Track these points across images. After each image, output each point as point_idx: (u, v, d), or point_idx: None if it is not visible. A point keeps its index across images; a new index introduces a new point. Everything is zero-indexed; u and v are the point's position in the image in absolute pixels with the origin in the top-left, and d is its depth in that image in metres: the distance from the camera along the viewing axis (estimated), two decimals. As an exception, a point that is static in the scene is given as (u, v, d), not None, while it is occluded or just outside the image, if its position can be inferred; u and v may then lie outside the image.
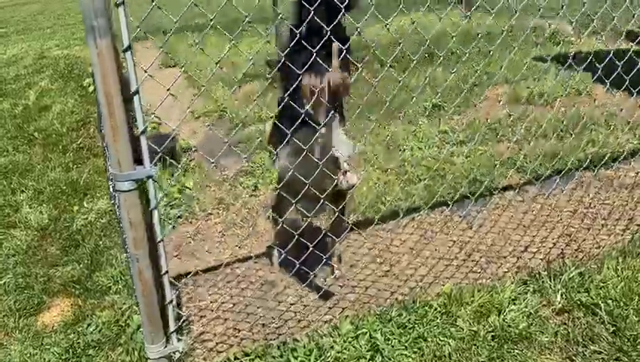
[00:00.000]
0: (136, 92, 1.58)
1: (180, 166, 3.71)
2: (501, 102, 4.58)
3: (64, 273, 2.78)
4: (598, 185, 3.25)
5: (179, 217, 3.24)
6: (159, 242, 1.80)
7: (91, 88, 5.40)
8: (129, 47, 1.53)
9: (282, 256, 2.52)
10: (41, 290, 2.68)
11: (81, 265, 2.82)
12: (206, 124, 4.40)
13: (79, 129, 4.57)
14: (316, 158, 2.14)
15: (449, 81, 4.24)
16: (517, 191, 3.23)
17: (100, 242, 2.98)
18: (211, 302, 2.52)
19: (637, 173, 3.37)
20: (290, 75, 1.95)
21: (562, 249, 2.67)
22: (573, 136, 3.71)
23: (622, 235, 2.74)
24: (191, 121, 4.46)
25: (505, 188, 3.29)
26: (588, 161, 3.26)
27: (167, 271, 1.87)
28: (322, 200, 2.25)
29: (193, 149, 4.04)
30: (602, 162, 3.27)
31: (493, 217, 3.04)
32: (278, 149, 2.22)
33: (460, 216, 3.05)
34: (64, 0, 13.13)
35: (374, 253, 2.79)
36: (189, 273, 2.57)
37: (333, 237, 2.47)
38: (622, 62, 3.02)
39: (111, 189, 2.99)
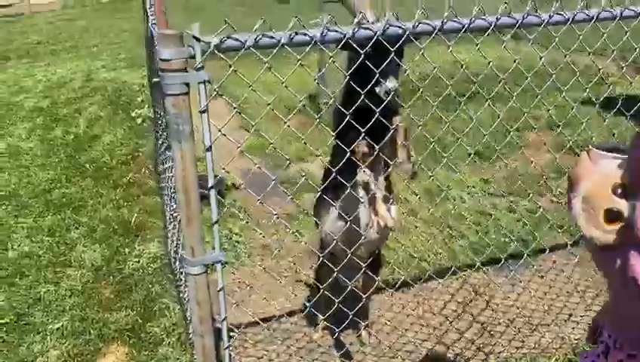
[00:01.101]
0: (214, 186, 1.68)
1: (225, 208, 3.82)
2: (546, 149, 4.58)
3: (118, 319, 2.91)
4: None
5: (225, 264, 3.35)
6: (223, 321, 1.90)
7: (139, 120, 5.59)
8: (210, 148, 1.64)
9: (322, 322, 2.65)
10: (97, 336, 2.81)
11: (134, 312, 2.94)
12: (254, 162, 4.50)
13: (128, 163, 4.73)
14: (360, 227, 2.23)
15: (493, 126, 4.27)
16: (562, 252, 3.25)
17: (152, 289, 3.10)
18: (258, 359, 2.61)
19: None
20: (341, 149, 2.00)
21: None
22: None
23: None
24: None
25: (551, 249, 3.30)
26: None
27: (228, 346, 1.97)
28: (363, 268, 2.31)
29: (238, 187, 4.15)
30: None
31: (538, 280, 3.07)
32: (322, 217, 2.32)
33: (505, 277, 3.08)
34: (108, 17, 13.54)
35: (418, 313, 2.84)
36: (238, 326, 2.67)
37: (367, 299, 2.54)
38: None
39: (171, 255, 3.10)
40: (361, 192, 2.15)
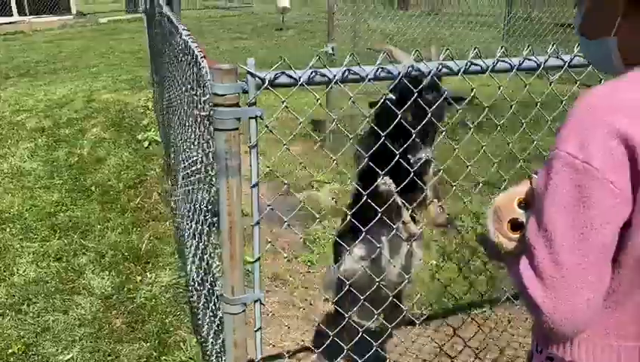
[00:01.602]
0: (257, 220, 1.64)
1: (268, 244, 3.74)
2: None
3: (131, 351, 2.82)
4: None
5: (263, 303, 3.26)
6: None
7: (146, 143, 5.54)
8: (257, 184, 1.60)
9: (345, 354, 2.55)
10: (109, 369, 2.72)
11: (148, 344, 2.86)
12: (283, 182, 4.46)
13: (136, 187, 4.66)
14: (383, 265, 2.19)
15: (503, 155, 4.28)
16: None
17: (167, 320, 3.02)
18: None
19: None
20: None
21: None
22: None
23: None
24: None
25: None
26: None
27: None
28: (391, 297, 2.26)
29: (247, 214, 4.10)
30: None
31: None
32: (344, 255, 2.26)
33: (525, 313, 3.04)
34: (106, 38, 13.55)
35: (437, 350, 2.79)
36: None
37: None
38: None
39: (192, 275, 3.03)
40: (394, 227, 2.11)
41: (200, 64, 1.65)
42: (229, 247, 1.64)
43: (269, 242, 3.69)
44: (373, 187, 1.83)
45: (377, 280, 2.06)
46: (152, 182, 4.73)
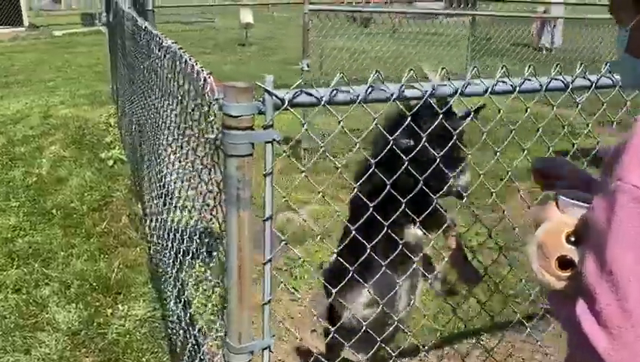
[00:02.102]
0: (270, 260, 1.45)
1: (214, 261, 3.53)
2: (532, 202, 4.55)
3: (105, 395, 2.55)
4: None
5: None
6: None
7: (110, 162, 5.23)
8: (271, 217, 1.41)
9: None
10: (80, 417, 2.44)
11: (123, 387, 2.59)
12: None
13: (101, 209, 4.36)
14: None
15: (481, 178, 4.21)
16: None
17: (143, 359, 2.76)
18: None
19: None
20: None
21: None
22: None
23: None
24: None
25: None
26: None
27: None
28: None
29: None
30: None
31: (559, 341, 2.93)
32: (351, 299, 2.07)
33: (523, 342, 2.93)
34: (62, 51, 13.04)
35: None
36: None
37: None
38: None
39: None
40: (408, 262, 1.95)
41: (205, 80, 1.46)
42: (237, 288, 1.44)
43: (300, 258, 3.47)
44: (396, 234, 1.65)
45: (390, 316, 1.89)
46: (119, 204, 4.44)
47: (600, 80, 1.70)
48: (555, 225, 1.05)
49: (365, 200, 1.61)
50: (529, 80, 1.60)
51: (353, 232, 1.63)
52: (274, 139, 1.33)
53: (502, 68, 1.56)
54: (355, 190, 1.70)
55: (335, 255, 1.91)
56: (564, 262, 1.02)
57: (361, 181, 1.65)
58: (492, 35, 11.44)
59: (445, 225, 1.82)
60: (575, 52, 11.62)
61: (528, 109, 1.65)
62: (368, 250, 1.65)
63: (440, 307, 3.19)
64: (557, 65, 1.62)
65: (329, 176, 4.52)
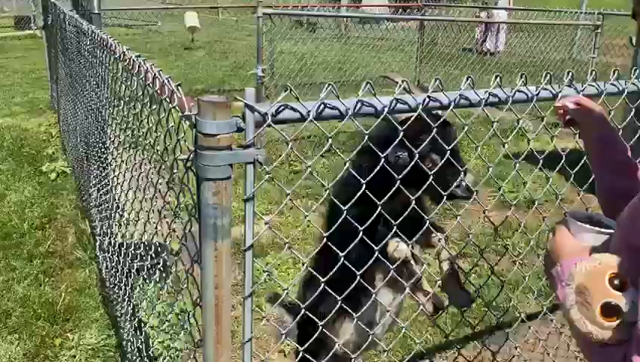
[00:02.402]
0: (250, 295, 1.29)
1: (169, 280, 3.31)
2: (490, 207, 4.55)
3: None
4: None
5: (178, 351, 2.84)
6: None
7: (53, 175, 4.88)
8: (251, 247, 1.26)
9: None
10: None
11: None
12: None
13: (44, 227, 4.04)
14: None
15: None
16: (540, 318, 3.12)
17: (99, 394, 2.53)
18: None
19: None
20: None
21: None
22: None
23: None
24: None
25: (529, 317, 3.17)
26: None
27: None
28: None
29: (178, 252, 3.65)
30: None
31: (527, 349, 2.90)
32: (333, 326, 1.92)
33: (492, 352, 2.87)
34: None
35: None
36: None
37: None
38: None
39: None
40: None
41: (173, 93, 1.29)
42: (214, 329, 1.28)
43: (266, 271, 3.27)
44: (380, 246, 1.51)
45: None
46: (64, 221, 4.13)
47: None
48: (597, 266, 0.92)
49: (352, 221, 1.47)
50: (520, 91, 1.53)
51: (343, 251, 1.48)
52: (256, 160, 1.18)
53: (496, 78, 1.46)
54: (337, 207, 1.56)
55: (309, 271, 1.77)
56: (609, 309, 0.89)
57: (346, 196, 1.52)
58: (439, 40, 11.61)
59: (438, 245, 1.71)
60: (518, 56, 11.95)
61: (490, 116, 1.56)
62: (357, 276, 1.51)
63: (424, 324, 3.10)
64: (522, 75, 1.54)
65: (288, 186, 4.37)
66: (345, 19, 13.04)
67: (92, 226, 3.66)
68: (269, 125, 1.18)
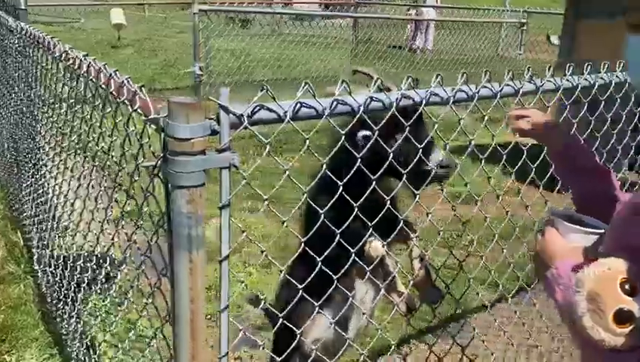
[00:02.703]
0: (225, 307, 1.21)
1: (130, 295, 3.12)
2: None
3: None
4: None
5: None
6: None
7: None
8: (227, 257, 1.18)
9: None
10: None
11: None
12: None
13: (-31, 240, 3.73)
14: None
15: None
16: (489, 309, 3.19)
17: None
18: None
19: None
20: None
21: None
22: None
23: None
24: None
25: (478, 308, 3.24)
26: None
27: None
28: None
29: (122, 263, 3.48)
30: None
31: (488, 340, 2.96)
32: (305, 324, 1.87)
33: (457, 345, 2.91)
34: None
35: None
36: None
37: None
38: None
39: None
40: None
41: (135, 95, 1.19)
42: (189, 345, 1.20)
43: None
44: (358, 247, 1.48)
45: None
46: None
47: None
48: (607, 271, 0.90)
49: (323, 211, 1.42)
50: (485, 87, 1.53)
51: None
52: (232, 164, 1.11)
53: (462, 75, 1.46)
54: (311, 203, 1.51)
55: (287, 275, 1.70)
56: (621, 315, 0.87)
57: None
58: (372, 38, 11.76)
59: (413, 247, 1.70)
60: (447, 53, 12.29)
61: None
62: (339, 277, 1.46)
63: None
64: (511, 72, 1.55)
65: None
66: (279, 15, 12.97)
67: (26, 238, 3.41)
68: (245, 127, 1.11)
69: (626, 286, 0.88)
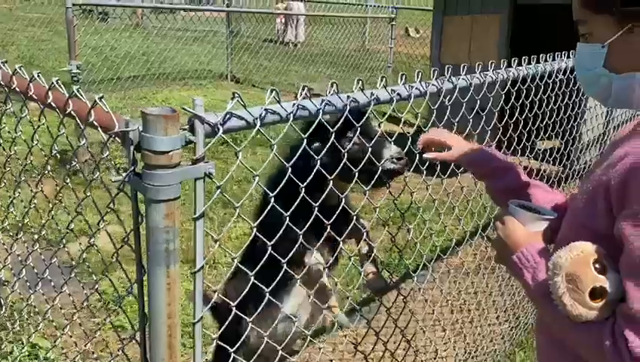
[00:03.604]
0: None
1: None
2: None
3: None
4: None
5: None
6: None
7: None
8: (202, 268, 1.15)
9: None
10: None
11: None
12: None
13: None
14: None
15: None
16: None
17: None
18: None
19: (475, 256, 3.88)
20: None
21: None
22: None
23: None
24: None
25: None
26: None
27: None
28: None
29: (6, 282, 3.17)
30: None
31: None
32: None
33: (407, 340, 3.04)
34: None
35: None
36: None
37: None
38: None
39: None
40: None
41: (95, 105, 1.11)
42: (167, 351, 1.16)
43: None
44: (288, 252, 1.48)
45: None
46: None
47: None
48: (577, 252, 1.01)
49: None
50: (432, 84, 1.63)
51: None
52: (207, 174, 1.09)
53: (381, 80, 1.52)
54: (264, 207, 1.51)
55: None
56: (596, 292, 0.99)
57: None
58: (243, 32, 11.70)
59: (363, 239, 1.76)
60: (318, 46, 12.61)
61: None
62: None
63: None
64: (403, 75, 1.62)
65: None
66: (141, 9, 12.39)
67: None
68: (219, 136, 1.10)
69: (597, 266, 1.00)
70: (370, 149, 1.48)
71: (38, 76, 1.26)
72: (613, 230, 1.01)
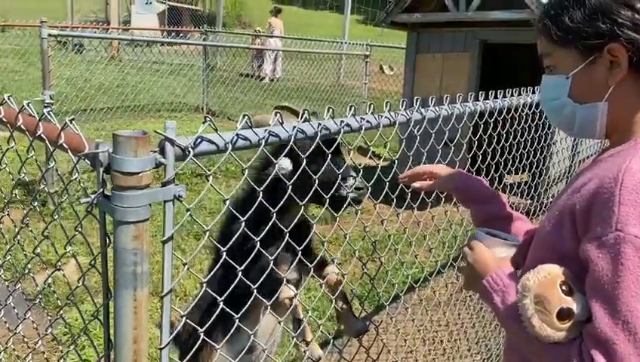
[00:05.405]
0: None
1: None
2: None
3: None
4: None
5: None
6: None
7: None
8: (170, 291, 1.14)
9: None
10: None
11: None
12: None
13: None
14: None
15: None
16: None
17: None
18: None
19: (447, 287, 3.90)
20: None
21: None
22: (384, 258, 4.10)
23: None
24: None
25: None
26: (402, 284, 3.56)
27: None
28: None
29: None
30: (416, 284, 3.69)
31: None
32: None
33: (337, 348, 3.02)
34: None
35: None
36: None
37: None
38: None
39: None
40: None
41: (65, 128, 1.12)
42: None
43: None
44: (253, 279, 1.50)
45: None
46: None
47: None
48: (545, 274, 1.04)
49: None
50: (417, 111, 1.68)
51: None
52: (176, 197, 1.10)
53: (350, 108, 1.58)
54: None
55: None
56: (563, 313, 1.01)
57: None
58: (220, 65, 11.81)
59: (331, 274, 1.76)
60: (293, 81, 12.78)
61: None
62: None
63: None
64: (370, 105, 1.67)
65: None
66: (117, 41, 12.43)
67: None
68: (190, 159, 1.11)
69: (563, 287, 1.02)
70: (331, 176, 1.51)
71: (9, 99, 1.25)
72: (579, 252, 1.03)
